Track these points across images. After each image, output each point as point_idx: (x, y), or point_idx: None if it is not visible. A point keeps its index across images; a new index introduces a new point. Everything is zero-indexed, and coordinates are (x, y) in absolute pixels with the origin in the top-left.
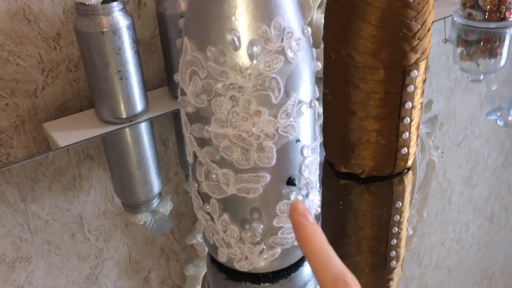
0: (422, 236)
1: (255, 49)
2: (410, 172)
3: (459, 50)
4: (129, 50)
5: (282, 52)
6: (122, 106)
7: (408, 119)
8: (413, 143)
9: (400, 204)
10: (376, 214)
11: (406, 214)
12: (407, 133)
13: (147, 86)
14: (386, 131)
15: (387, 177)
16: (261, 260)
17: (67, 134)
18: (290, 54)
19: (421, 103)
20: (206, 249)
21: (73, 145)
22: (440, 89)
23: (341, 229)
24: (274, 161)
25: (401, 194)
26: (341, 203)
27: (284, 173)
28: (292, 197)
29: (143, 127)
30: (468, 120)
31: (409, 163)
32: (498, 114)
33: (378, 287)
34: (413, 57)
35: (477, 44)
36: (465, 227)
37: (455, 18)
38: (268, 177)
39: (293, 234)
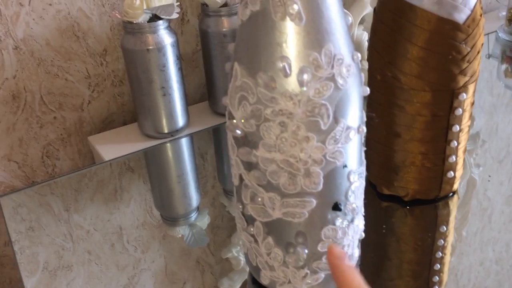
0: (461, 255)
1: (305, 76)
2: (455, 195)
3: (503, 66)
4: (173, 67)
5: (332, 79)
6: (164, 121)
7: (456, 142)
8: (459, 166)
9: (445, 229)
10: (420, 238)
11: (450, 238)
12: (454, 157)
13: (188, 101)
14: (432, 154)
15: (431, 200)
16: (304, 285)
17: (111, 147)
18: (340, 80)
19: (469, 126)
20: (242, 263)
21: (117, 159)
22: (482, 105)
23: (382, 252)
24: (320, 187)
25: (446, 218)
26: (384, 226)
27: (330, 199)
28: (338, 223)
29: (184, 142)
30: (510, 136)
31: (455, 187)
32: None
33: None
34: (462, 80)
35: None
36: (506, 247)
37: (499, 34)
38: (314, 202)
39: None
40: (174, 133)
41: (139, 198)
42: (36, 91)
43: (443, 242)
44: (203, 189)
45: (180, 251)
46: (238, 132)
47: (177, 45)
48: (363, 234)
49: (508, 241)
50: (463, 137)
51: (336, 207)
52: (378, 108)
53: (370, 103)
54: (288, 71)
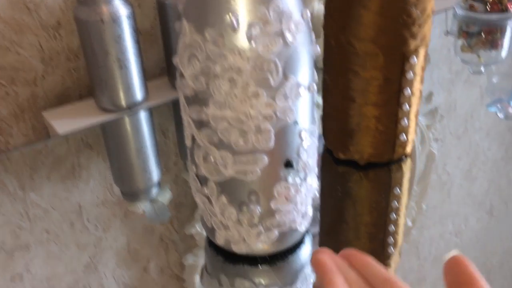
0: (421, 228)
1: (253, 31)
2: (408, 159)
3: (460, 42)
4: (129, 39)
5: (280, 34)
6: (121, 95)
7: (407, 106)
8: (411, 130)
9: (399, 191)
10: (375, 201)
11: (404, 201)
12: (406, 120)
13: (146, 76)
14: (385, 118)
15: (385, 164)
16: (258, 243)
17: (67, 122)
18: (289, 37)
19: (420, 91)
20: (205, 234)
21: (72, 132)
22: (441, 82)
23: (339, 215)
24: (272, 144)
25: (399, 181)
26: (339, 188)
27: (282, 156)
28: (290, 180)
29: (143, 116)
30: (468, 113)
31: (408, 150)
32: (499, 106)
33: None
34: (413, 44)
35: (479, 36)
36: (465, 220)
37: (456, 10)
38: (266, 159)
39: (290, 218)
40: (132, 106)
41: (99, 175)
42: None
43: (397, 204)
44: (165, 166)
45: (142, 229)
46: (188, 91)
47: (133, 16)
48: (317, 194)
49: (467, 214)
50: (415, 101)
51: (288, 164)
52: (333, 73)
53: (326, 69)
54: (236, 25)
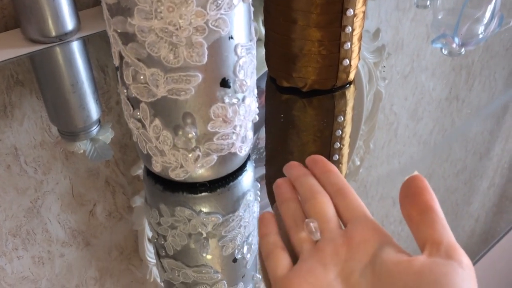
0: (369, 168)
1: None
2: (352, 86)
3: None
4: None
5: None
6: (50, 24)
7: (350, 28)
8: (355, 55)
9: (342, 119)
10: (318, 129)
11: (348, 130)
12: (348, 44)
13: (79, 6)
14: (327, 41)
15: (329, 91)
16: (197, 168)
17: None
18: None
19: (363, 12)
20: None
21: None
22: (388, 19)
23: (284, 145)
24: (205, 59)
25: (343, 109)
26: (282, 115)
27: (217, 74)
28: (227, 100)
29: (76, 48)
30: (415, 52)
31: (351, 76)
32: (443, 42)
33: None
34: None
35: None
36: (410, 159)
37: None
38: (200, 76)
39: (229, 141)
40: (62, 36)
41: (34, 115)
42: None
43: (340, 132)
44: (106, 105)
45: (86, 171)
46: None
47: None
48: (257, 117)
49: (412, 153)
50: (358, 23)
51: (224, 84)
52: None
53: None
54: None
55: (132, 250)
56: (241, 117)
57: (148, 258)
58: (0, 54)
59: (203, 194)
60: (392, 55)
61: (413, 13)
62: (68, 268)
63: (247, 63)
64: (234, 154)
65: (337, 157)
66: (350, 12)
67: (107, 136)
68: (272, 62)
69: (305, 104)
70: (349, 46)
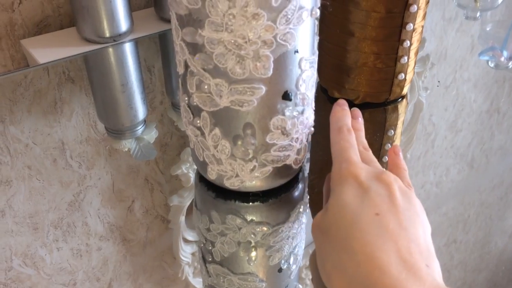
0: None
1: None
2: (404, 100)
3: None
4: None
5: None
6: (105, 24)
7: (408, 42)
8: (410, 69)
9: (392, 133)
10: (368, 142)
11: (397, 143)
12: (405, 58)
13: (132, 7)
14: (384, 54)
15: (381, 104)
16: (252, 178)
17: (47, 51)
18: None
19: (422, 27)
20: (192, 178)
21: (54, 62)
22: (433, 28)
23: (331, 156)
24: (270, 72)
25: (394, 122)
26: None
27: (280, 87)
28: (287, 113)
29: (128, 49)
30: (458, 62)
31: (405, 90)
32: (491, 54)
33: None
34: None
35: None
36: (446, 171)
37: None
38: (263, 89)
39: (285, 153)
40: (116, 37)
41: (82, 111)
42: None
43: (390, 146)
44: (150, 105)
45: (127, 168)
46: (181, 10)
47: None
48: (313, 129)
49: (448, 165)
50: (416, 37)
51: (286, 97)
52: (332, 5)
53: (323, 1)
54: None
55: (166, 248)
56: (299, 130)
57: (181, 257)
58: (56, 52)
59: (255, 203)
60: (435, 65)
61: (459, 23)
62: (104, 262)
63: (309, 77)
64: (289, 166)
65: None
66: (410, 26)
67: (152, 135)
68: (324, 73)
69: None
70: (406, 61)
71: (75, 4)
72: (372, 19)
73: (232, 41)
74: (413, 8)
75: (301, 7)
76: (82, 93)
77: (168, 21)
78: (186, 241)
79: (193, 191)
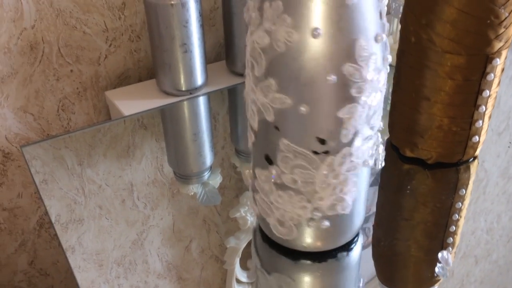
0: None
1: None
2: (476, 160)
3: None
4: (195, 23)
5: None
6: (183, 79)
7: (484, 107)
8: (484, 131)
9: (464, 192)
10: (439, 201)
11: (467, 202)
12: (480, 122)
13: None
14: (459, 119)
15: (453, 164)
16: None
17: (129, 103)
18: None
19: (497, 92)
20: (249, 222)
21: (137, 114)
22: None
23: (399, 212)
24: None
25: (466, 182)
26: (404, 186)
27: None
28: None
29: (201, 101)
30: (511, 110)
31: (478, 151)
32: None
33: (427, 271)
34: (497, 45)
35: None
36: (497, 218)
37: None
38: None
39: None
40: (192, 91)
41: (151, 155)
42: (54, 43)
43: (461, 204)
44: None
45: (187, 209)
46: None
47: (199, 1)
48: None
49: (499, 212)
50: (491, 102)
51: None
52: (408, 71)
53: (399, 66)
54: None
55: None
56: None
57: None
58: (138, 104)
59: (315, 263)
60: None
61: None
62: None
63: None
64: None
65: (454, 228)
66: (486, 93)
67: (217, 181)
68: (396, 132)
69: (428, 176)
70: (481, 124)
71: (157, 59)
72: (448, 85)
73: None
74: (490, 76)
75: None
76: (153, 139)
77: (239, 74)
78: (239, 281)
79: (249, 233)
